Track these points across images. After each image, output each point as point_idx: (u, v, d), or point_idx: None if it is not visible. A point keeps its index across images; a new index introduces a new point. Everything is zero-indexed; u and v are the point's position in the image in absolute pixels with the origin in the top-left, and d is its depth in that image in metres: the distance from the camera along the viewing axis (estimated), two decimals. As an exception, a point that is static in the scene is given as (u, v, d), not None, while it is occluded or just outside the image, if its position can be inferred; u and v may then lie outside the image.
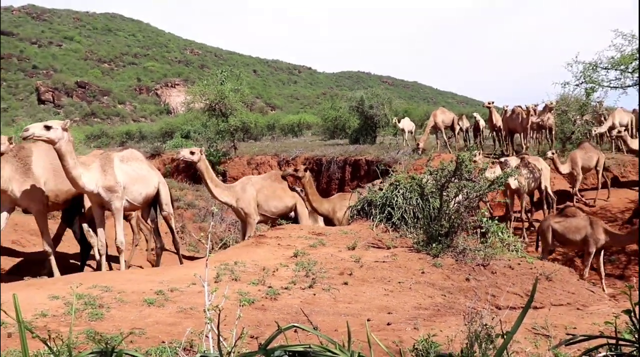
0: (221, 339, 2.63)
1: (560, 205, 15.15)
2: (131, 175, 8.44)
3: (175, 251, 10.08)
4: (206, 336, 2.71)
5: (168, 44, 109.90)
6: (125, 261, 8.48)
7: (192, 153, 9.76)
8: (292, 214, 11.26)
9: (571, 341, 1.90)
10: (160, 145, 30.53)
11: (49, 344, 1.66)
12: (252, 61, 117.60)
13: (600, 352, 1.86)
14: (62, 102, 75.16)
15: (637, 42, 14.11)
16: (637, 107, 19.15)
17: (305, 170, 10.65)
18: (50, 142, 7.13)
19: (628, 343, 1.81)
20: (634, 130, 18.62)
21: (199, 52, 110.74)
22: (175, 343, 3.60)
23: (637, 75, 14.31)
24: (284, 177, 10.99)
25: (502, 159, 13.11)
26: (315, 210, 11.00)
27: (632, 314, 1.82)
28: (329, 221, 11.01)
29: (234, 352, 1.96)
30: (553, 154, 14.24)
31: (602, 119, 18.62)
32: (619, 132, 14.13)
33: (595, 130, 17.68)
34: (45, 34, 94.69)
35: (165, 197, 9.44)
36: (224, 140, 26.25)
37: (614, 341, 1.87)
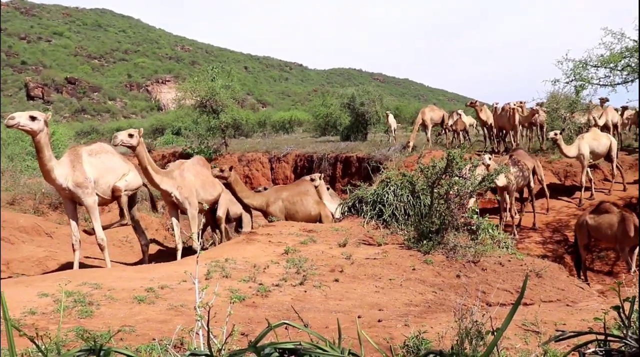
0: (211, 336, 2.62)
1: (552, 198, 15.27)
2: (100, 168, 8.23)
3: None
4: (196, 333, 2.70)
5: (159, 40, 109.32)
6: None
7: (130, 136, 8.59)
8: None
9: (560, 337, 1.91)
10: (151, 141, 30.45)
11: (36, 342, 1.64)
12: (243, 58, 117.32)
13: (589, 348, 1.87)
14: (52, 98, 74.58)
15: (627, 39, 14.18)
16: (623, 106, 19.34)
17: (230, 169, 10.43)
18: (32, 133, 7.10)
19: (617, 339, 1.82)
20: (619, 128, 18.76)
21: (189, 48, 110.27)
22: (165, 340, 3.59)
23: (625, 73, 14.39)
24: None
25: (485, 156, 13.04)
26: (249, 206, 10.93)
27: (621, 310, 1.83)
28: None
29: (224, 350, 1.95)
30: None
31: (591, 116, 18.72)
32: (556, 134, 13.93)
33: (592, 124, 17.77)
34: (34, 30, 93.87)
35: (130, 176, 8.98)
36: (214, 137, 26.21)
37: (602, 337, 1.88)
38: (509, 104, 17.85)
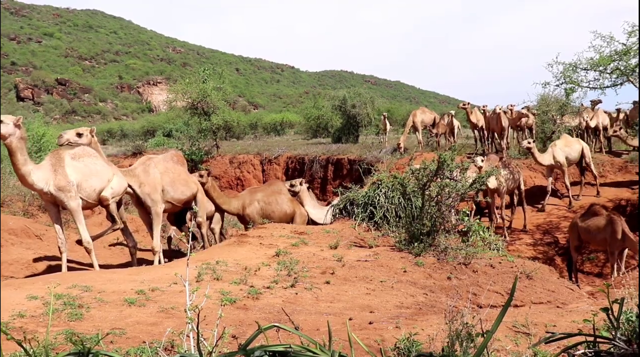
0: (202, 338, 2.61)
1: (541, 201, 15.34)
2: (84, 171, 8.02)
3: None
4: (187, 336, 2.69)
5: (150, 42, 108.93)
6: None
7: (79, 135, 8.43)
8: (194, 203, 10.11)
9: (550, 339, 1.92)
10: (142, 143, 30.29)
11: (24, 345, 1.63)
12: (235, 60, 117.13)
13: (578, 350, 1.88)
14: (42, 99, 74.10)
15: (617, 43, 14.30)
16: (617, 108, 19.46)
17: (208, 174, 10.37)
18: (1, 137, 6.96)
19: (606, 340, 1.83)
20: (608, 131, 18.88)
21: (181, 50, 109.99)
22: (155, 343, 3.57)
23: (615, 76, 14.51)
24: None
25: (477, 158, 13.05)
26: (226, 211, 10.87)
27: (610, 311, 1.84)
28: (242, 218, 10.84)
29: (214, 352, 1.94)
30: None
31: (582, 119, 18.84)
32: (529, 143, 13.94)
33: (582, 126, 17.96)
34: (24, 30, 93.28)
35: (115, 184, 8.58)
36: (206, 139, 26.13)
37: (592, 339, 1.89)
38: (497, 106, 17.93)
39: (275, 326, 1.73)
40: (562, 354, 1.86)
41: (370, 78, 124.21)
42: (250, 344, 1.46)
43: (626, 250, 10.10)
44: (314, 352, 1.53)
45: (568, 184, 14.59)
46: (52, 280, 5.59)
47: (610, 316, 1.83)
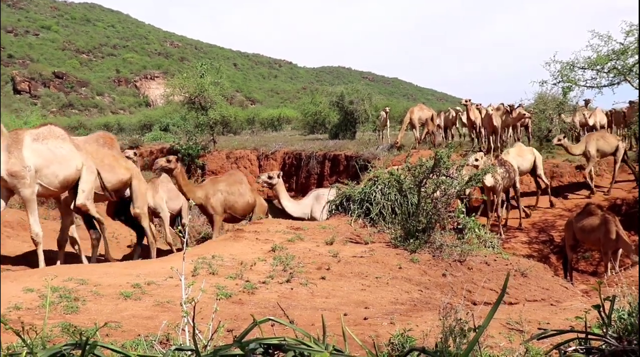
0: (197, 331, 2.63)
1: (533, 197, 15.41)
2: (46, 155, 7.25)
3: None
4: (182, 329, 2.71)
5: (148, 36, 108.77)
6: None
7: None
8: (128, 192, 9.36)
9: (542, 336, 1.94)
10: (139, 137, 30.31)
11: (22, 335, 1.65)
12: (233, 54, 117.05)
13: (570, 346, 1.90)
14: (39, 92, 73.98)
15: (614, 42, 14.34)
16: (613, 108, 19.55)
17: (176, 160, 10.03)
18: None
19: (597, 337, 1.86)
20: (605, 128, 18.97)
21: (179, 44, 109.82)
22: (151, 336, 3.58)
23: (612, 75, 14.56)
24: (156, 170, 10.11)
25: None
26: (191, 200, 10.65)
27: (601, 309, 1.86)
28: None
29: (209, 345, 1.96)
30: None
31: (581, 117, 18.93)
32: (476, 160, 13.87)
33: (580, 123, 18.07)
34: (21, 23, 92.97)
35: (84, 183, 7.99)
36: (203, 134, 26.11)
37: (583, 335, 1.91)
38: (490, 106, 17.99)
39: (270, 319, 1.75)
40: (554, 350, 1.88)
41: (368, 74, 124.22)
42: (245, 337, 1.48)
43: (620, 250, 10.15)
44: (308, 346, 1.55)
45: (518, 193, 14.51)
46: (49, 273, 5.60)
47: (602, 313, 1.85)
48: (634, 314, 2.41)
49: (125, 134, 36.96)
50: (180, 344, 2.53)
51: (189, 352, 1.82)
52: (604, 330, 1.82)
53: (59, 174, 7.43)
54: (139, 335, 3.73)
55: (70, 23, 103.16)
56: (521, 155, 14.56)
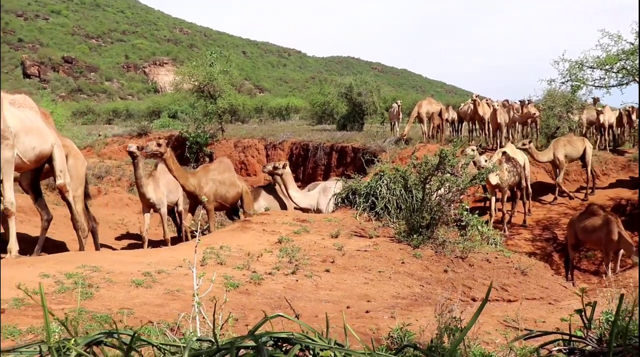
0: (207, 321, 2.80)
1: (543, 196, 15.51)
2: (25, 123, 6.81)
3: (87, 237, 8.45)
4: (193, 318, 2.87)
5: (157, 22, 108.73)
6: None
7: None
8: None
9: (528, 336, 2.09)
10: (148, 124, 30.45)
11: (66, 325, 1.81)
12: (242, 42, 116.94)
13: (555, 347, 2.05)
14: (48, 76, 74.32)
15: (624, 42, 14.33)
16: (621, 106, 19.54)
17: (167, 144, 9.84)
18: None
19: (579, 339, 2.01)
20: (614, 128, 19.00)
21: (188, 31, 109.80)
22: (162, 324, 3.76)
23: (621, 75, 14.56)
24: (147, 154, 9.83)
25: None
26: (183, 188, 10.44)
27: (583, 313, 2.02)
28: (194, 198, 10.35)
29: (223, 335, 2.12)
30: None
31: (589, 115, 18.96)
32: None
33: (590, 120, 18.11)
34: (31, 7, 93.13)
35: (60, 163, 7.63)
36: (211, 122, 26.22)
37: (567, 337, 2.07)
38: (492, 100, 18.06)
39: (279, 315, 1.91)
40: (540, 349, 2.03)
41: (377, 65, 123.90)
42: (257, 330, 1.64)
43: (621, 250, 10.26)
44: (313, 340, 1.71)
45: (524, 191, 14.59)
46: (62, 259, 5.80)
47: (583, 317, 2.00)
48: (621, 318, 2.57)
49: (134, 121, 37.17)
50: (191, 332, 2.71)
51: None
52: (585, 332, 1.97)
53: (35, 146, 7.01)
54: (151, 322, 3.90)
55: (80, 8, 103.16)
56: (514, 156, 14.65)
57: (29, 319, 3.84)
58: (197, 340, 1.65)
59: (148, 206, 10.21)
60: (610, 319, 2.53)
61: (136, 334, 1.46)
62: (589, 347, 1.94)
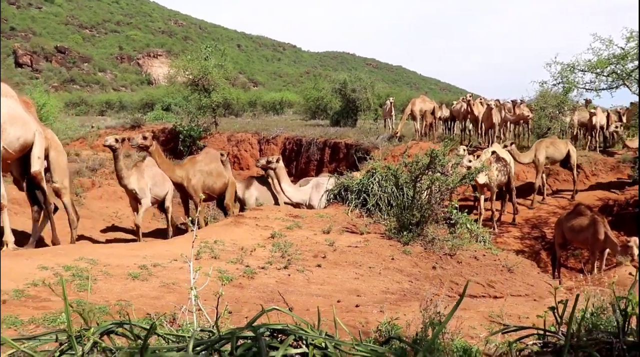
0: (205, 313, 2.94)
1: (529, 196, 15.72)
2: (9, 112, 6.71)
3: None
4: (190, 311, 3.01)
5: (152, 14, 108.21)
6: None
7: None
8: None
9: (505, 330, 2.25)
10: (141, 116, 30.40)
11: (84, 316, 1.95)
12: (237, 36, 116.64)
13: (530, 340, 2.21)
14: (41, 66, 73.82)
15: (615, 46, 14.55)
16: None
17: (152, 137, 9.92)
18: None
19: (552, 334, 2.17)
20: (605, 128, 19.21)
21: (183, 23, 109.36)
22: (159, 316, 3.89)
23: (611, 79, 14.79)
24: (133, 147, 9.99)
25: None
26: (171, 180, 10.53)
27: (555, 310, 2.17)
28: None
29: (220, 327, 2.26)
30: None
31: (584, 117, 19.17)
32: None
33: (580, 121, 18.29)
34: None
35: (39, 150, 7.56)
36: (205, 116, 26.26)
37: (542, 332, 2.23)
38: (491, 102, 18.23)
39: (275, 308, 2.06)
40: (516, 342, 2.18)
41: (372, 61, 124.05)
42: (254, 322, 1.79)
43: (607, 249, 10.47)
44: (306, 331, 1.86)
45: (513, 189, 14.80)
46: (59, 252, 5.91)
47: (555, 314, 2.16)
48: (595, 315, 2.74)
49: (127, 112, 37.03)
50: (188, 324, 2.85)
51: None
52: (557, 328, 2.13)
53: (20, 136, 6.95)
54: (148, 314, 4.04)
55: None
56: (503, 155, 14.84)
57: (29, 310, 3.96)
58: (202, 331, 1.79)
59: (132, 197, 10.22)
60: (587, 316, 2.70)
61: (154, 325, 1.59)
62: (561, 342, 2.10)
